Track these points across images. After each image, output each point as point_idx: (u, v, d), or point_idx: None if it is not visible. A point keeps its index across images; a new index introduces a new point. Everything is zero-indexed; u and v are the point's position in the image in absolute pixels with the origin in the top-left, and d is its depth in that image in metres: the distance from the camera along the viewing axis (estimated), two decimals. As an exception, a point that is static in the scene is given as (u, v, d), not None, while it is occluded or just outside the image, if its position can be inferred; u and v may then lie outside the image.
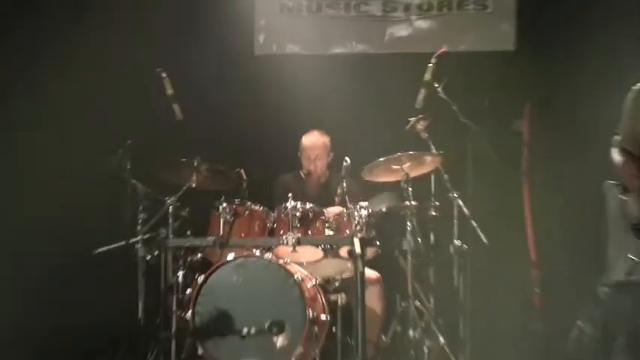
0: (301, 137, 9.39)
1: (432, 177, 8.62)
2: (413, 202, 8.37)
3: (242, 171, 8.61)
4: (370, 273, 8.52)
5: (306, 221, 8.33)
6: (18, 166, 9.25)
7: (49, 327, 8.71)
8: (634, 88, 6.78)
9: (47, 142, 9.22)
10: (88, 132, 9.25)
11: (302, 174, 9.34)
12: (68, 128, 9.29)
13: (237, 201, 8.42)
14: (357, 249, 7.63)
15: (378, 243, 8.48)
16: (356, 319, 7.67)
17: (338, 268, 8.56)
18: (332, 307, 8.27)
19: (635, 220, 6.67)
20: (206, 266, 8.27)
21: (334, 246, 8.38)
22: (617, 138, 6.85)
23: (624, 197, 6.74)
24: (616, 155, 6.81)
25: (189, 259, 8.43)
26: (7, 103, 9.44)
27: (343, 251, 8.20)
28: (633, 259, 7.22)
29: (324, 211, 8.42)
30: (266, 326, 7.65)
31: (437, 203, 8.57)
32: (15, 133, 9.36)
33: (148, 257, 8.29)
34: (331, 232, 8.34)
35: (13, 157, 9.28)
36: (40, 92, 9.35)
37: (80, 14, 9.67)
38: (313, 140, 9.31)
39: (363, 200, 8.44)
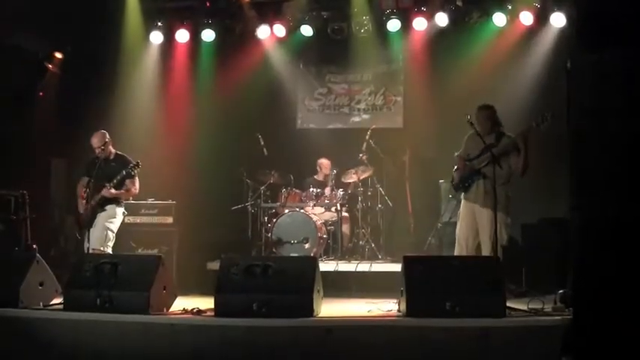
0: (317, 160, 9.28)
1: (369, 179, 8.82)
2: (361, 189, 8.71)
3: (291, 176, 8.80)
4: (344, 216, 8.74)
5: (318, 196, 8.71)
6: (200, 174, 9.19)
7: (211, 239, 8.62)
8: (468, 134, 6.65)
9: (216, 163, 9.18)
10: (228, 157, 9.17)
11: (316, 177, 9.21)
12: (222, 156, 9.16)
13: (289, 188, 8.71)
14: (338, 208, 8.47)
15: (347, 205, 8.84)
16: (338, 236, 8.51)
17: (331, 215, 8.77)
18: (328, 231, 8.61)
19: (455, 182, 6.72)
20: (277, 215, 8.52)
21: (329, 207, 8.76)
22: (457, 154, 6.75)
23: (454, 173, 6.71)
24: (455, 156, 6.70)
25: (269, 211, 8.73)
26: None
27: (333, 209, 8.72)
28: (452, 210, 7.53)
29: (325, 192, 8.77)
30: (301, 239, 8.16)
31: (371, 189, 8.80)
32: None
33: (252, 211, 8.72)
34: (327, 201, 8.69)
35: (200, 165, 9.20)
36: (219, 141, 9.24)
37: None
38: (324, 162, 9.19)
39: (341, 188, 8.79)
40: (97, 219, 7.05)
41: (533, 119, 6.28)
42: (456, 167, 6.79)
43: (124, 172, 6.96)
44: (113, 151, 7.26)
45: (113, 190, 7.02)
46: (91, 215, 7.06)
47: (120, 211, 7.18)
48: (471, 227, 6.57)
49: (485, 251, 6.35)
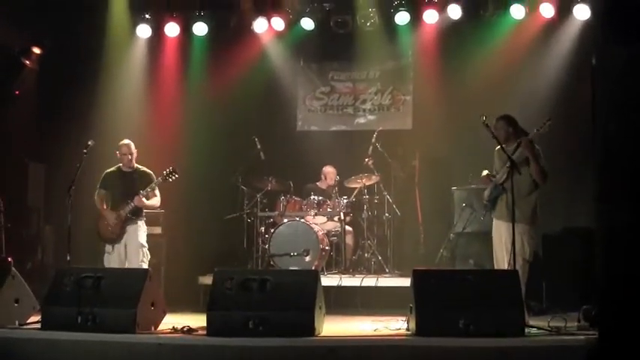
0: (322, 167, 9.19)
1: (375, 186, 8.79)
2: (366, 196, 8.72)
3: (291, 182, 8.79)
4: (348, 228, 8.76)
5: (319, 205, 8.69)
6: (194, 182, 8.99)
7: (203, 251, 8.82)
8: (495, 149, 6.60)
9: (209, 168, 9.19)
10: (221, 162, 9.16)
11: (319, 184, 9.11)
12: (215, 160, 9.20)
13: (288, 196, 8.69)
14: (342, 217, 8.47)
15: (351, 214, 8.87)
16: (342, 248, 8.53)
17: (333, 225, 8.80)
18: (331, 243, 8.60)
19: (485, 201, 6.68)
20: (275, 224, 8.54)
21: (332, 216, 8.75)
22: (485, 172, 6.66)
23: (485, 192, 6.66)
24: (483, 176, 6.63)
25: (267, 221, 8.75)
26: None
27: (336, 218, 8.72)
28: (466, 220, 7.97)
29: (328, 200, 8.73)
30: (302, 251, 8.11)
31: (377, 197, 8.77)
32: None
33: (249, 220, 8.67)
34: (330, 210, 8.66)
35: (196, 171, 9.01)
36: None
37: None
38: (329, 169, 9.11)
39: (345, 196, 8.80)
40: (127, 234, 7.24)
41: (536, 126, 6.34)
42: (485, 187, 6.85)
43: (160, 179, 7.22)
44: (136, 165, 7.46)
45: (145, 200, 7.22)
46: (120, 230, 7.25)
47: (143, 223, 7.42)
48: (501, 248, 6.52)
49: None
